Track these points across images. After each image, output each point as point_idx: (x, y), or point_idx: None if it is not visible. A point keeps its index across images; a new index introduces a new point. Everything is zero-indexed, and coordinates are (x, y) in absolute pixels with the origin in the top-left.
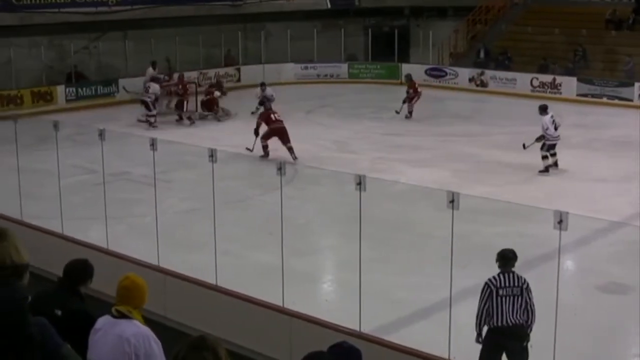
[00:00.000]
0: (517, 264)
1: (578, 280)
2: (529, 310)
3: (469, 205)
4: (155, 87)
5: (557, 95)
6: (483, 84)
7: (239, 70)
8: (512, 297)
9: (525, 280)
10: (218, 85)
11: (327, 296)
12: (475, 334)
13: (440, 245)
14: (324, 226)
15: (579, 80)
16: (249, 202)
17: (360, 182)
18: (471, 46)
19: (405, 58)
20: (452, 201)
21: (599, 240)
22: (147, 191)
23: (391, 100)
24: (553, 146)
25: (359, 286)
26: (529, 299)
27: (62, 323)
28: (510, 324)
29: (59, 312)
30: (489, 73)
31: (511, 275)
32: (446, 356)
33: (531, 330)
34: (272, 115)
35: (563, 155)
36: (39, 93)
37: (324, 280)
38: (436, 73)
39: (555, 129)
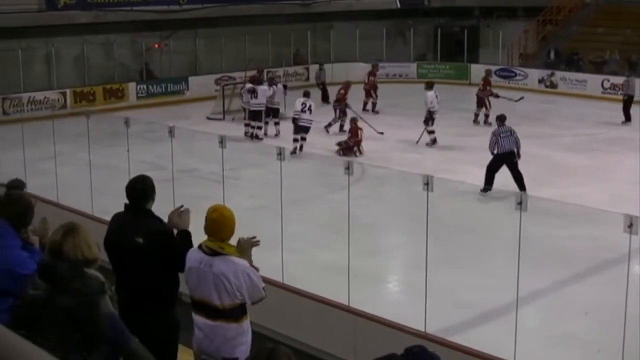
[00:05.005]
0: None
1: None
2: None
3: (538, 207)
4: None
5: None
6: (553, 85)
7: (307, 69)
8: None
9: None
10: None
11: (393, 296)
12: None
13: (508, 247)
14: (390, 226)
15: None
16: (316, 201)
17: (427, 183)
18: (541, 47)
19: (474, 58)
20: (520, 203)
21: None
22: (215, 188)
23: (460, 101)
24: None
25: (425, 286)
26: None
27: (146, 249)
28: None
29: (140, 240)
30: (559, 74)
31: (506, 126)
32: (512, 359)
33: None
34: None
35: (628, 157)
36: (111, 90)
37: (389, 280)
38: (505, 74)
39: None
